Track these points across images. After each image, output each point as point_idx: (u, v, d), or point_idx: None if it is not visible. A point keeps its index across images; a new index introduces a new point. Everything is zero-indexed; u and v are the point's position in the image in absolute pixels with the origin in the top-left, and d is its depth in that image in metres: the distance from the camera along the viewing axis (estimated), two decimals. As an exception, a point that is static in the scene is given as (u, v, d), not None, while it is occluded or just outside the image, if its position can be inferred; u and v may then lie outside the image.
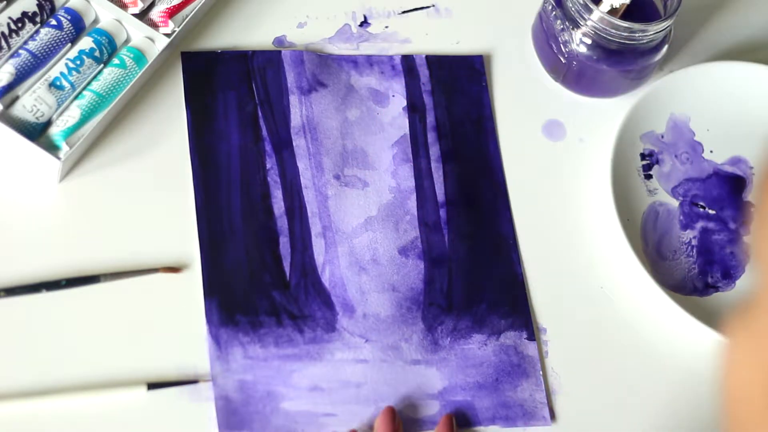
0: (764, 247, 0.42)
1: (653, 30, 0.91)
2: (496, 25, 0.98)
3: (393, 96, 0.93)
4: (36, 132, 0.84)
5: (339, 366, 0.83)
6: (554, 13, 0.94)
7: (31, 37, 0.87)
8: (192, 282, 0.83)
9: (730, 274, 0.92)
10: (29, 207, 0.84)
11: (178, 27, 0.90)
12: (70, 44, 0.88)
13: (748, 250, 0.84)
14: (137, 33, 0.90)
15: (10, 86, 0.85)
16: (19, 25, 0.87)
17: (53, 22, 0.88)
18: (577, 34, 0.92)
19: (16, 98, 0.85)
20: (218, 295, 0.83)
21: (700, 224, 0.93)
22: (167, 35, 0.89)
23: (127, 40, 0.90)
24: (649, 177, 0.94)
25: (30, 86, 0.85)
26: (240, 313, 0.83)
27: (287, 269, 0.85)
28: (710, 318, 0.86)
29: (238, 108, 0.90)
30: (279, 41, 0.94)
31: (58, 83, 0.86)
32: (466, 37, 0.97)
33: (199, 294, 0.83)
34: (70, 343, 0.80)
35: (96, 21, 0.90)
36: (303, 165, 0.89)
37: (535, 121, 0.95)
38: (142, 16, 0.90)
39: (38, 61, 0.86)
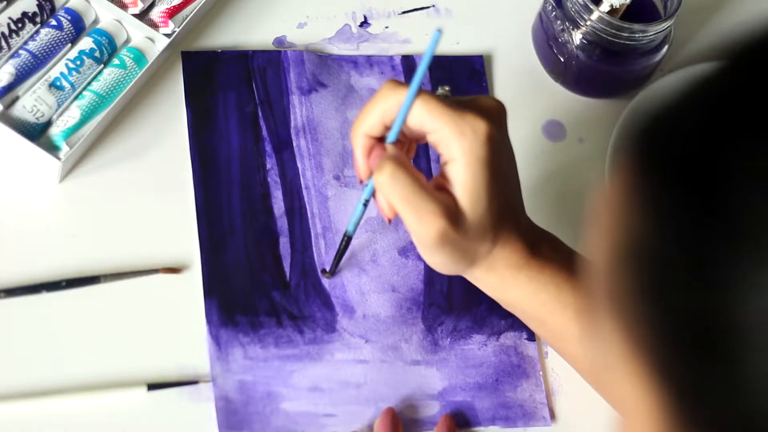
0: (591, 232, 0.46)
1: (653, 30, 0.91)
2: (496, 25, 0.98)
3: (393, 96, 0.93)
4: (36, 132, 0.84)
5: (339, 366, 0.83)
6: (554, 13, 0.94)
7: (31, 38, 0.87)
8: (192, 282, 0.84)
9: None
10: (29, 207, 0.84)
11: (178, 27, 0.90)
12: (70, 44, 0.88)
13: None
14: (137, 33, 0.90)
15: (10, 86, 0.85)
16: (19, 25, 0.87)
17: (53, 22, 0.88)
18: (577, 35, 0.92)
19: (16, 98, 0.85)
20: (218, 295, 0.83)
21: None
22: (167, 35, 0.89)
23: (127, 41, 0.90)
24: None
25: (30, 86, 0.85)
26: (240, 314, 0.83)
27: (287, 270, 0.85)
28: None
29: (238, 108, 0.90)
30: (279, 41, 0.94)
31: (58, 83, 0.86)
32: (466, 37, 0.97)
33: (199, 294, 0.83)
34: (70, 343, 0.80)
35: (96, 21, 0.90)
36: (303, 165, 0.89)
37: (535, 122, 0.95)
38: (142, 16, 0.90)
39: (38, 62, 0.86)
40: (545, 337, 0.82)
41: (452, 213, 0.72)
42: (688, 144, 0.41)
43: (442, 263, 0.75)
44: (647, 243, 0.41)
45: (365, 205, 0.78)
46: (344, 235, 0.83)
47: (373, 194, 0.76)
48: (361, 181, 0.76)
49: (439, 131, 0.72)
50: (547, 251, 0.78)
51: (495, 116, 0.74)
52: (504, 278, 0.77)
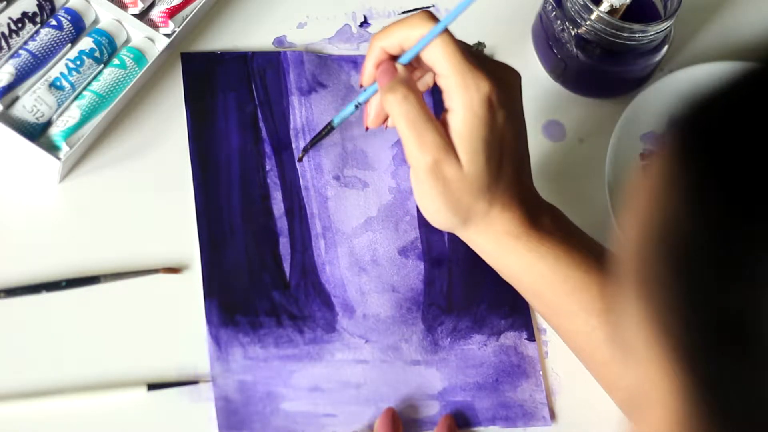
0: (626, 215, 0.46)
1: (653, 30, 0.91)
2: (496, 25, 0.98)
3: (393, 96, 0.93)
4: (36, 132, 0.84)
5: (339, 366, 0.83)
6: (554, 13, 0.94)
7: (31, 38, 0.87)
8: (192, 282, 0.84)
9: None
10: (29, 207, 0.84)
11: (178, 27, 0.90)
12: (70, 44, 0.88)
13: None
14: (137, 33, 0.90)
15: (10, 86, 0.85)
16: (19, 25, 0.87)
17: (53, 22, 0.88)
18: (577, 34, 0.92)
19: (16, 98, 0.85)
20: (218, 295, 0.83)
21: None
22: (167, 35, 0.89)
23: (127, 41, 0.90)
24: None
25: (30, 86, 0.85)
26: (240, 314, 0.83)
27: (287, 270, 0.85)
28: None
29: (237, 109, 0.90)
30: (279, 42, 0.94)
31: (58, 83, 0.86)
32: (466, 37, 0.97)
33: (199, 294, 0.83)
34: (70, 343, 0.80)
35: (96, 21, 0.90)
36: (302, 166, 0.89)
37: (535, 121, 0.95)
38: (142, 16, 0.90)
39: (38, 62, 0.86)
40: (540, 311, 0.82)
41: (451, 151, 0.74)
42: (737, 135, 0.40)
43: (436, 209, 0.75)
44: (683, 229, 0.41)
45: (356, 107, 0.80)
46: (328, 123, 0.83)
47: (366, 101, 0.79)
48: (362, 85, 0.78)
49: (446, 78, 0.74)
50: (548, 223, 0.78)
51: (505, 82, 0.75)
52: (502, 245, 0.77)
